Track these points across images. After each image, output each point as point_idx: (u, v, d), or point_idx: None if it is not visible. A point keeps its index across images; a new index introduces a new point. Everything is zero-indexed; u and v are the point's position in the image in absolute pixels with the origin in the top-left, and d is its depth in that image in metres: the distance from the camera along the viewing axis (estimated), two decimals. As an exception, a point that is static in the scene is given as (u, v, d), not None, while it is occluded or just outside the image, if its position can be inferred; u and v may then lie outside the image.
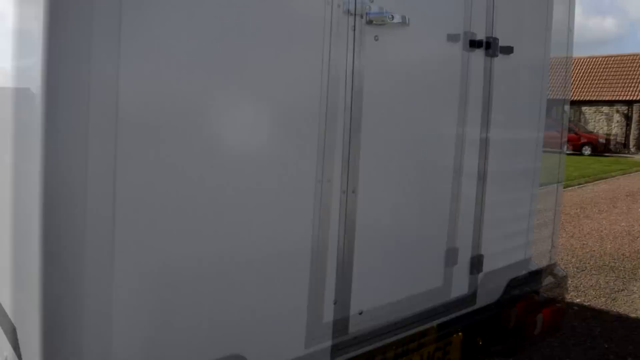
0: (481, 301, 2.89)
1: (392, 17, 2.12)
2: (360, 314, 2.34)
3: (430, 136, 2.55)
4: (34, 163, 1.54)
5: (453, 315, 2.76)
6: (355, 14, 2.10)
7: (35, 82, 1.52)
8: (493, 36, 2.67)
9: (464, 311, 2.82)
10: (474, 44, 2.59)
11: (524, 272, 3.13)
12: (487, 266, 2.86)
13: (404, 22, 2.17)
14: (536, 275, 3.23)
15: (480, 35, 2.63)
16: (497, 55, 2.70)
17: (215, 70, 1.80)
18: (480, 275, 2.86)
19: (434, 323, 2.66)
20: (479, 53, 2.64)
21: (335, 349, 2.27)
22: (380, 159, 2.33)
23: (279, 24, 1.94)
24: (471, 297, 2.84)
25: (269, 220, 2.01)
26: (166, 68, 1.69)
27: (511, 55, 2.78)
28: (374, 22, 2.14)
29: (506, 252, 2.98)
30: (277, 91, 1.98)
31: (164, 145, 1.71)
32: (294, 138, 2.05)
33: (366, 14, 2.12)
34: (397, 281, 2.52)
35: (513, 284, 3.03)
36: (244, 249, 1.97)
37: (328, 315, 2.24)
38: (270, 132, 2.01)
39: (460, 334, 2.76)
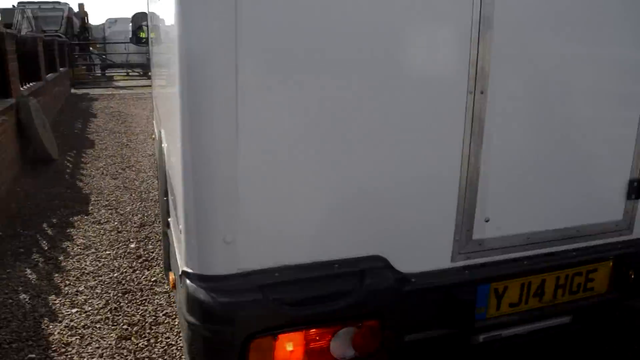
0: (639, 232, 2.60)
1: None
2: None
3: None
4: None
5: (601, 241, 2.53)
6: None
7: None
8: None
9: (615, 239, 2.56)
10: None
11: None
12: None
13: None
14: None
15: None
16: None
17: None
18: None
19: (576, 245, 2.48)
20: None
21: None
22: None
23: None
24: (626, 225, 2.57)
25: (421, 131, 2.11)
26: None
27: None
28: None
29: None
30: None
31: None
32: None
33: None
34: (545, 198, 2.40)
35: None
36: (393, 161, 2.09)
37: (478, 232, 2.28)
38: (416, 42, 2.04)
39: (610, 262, 2.53)
